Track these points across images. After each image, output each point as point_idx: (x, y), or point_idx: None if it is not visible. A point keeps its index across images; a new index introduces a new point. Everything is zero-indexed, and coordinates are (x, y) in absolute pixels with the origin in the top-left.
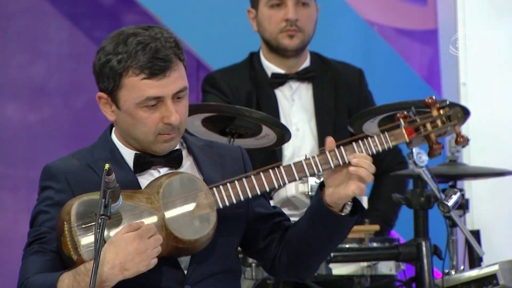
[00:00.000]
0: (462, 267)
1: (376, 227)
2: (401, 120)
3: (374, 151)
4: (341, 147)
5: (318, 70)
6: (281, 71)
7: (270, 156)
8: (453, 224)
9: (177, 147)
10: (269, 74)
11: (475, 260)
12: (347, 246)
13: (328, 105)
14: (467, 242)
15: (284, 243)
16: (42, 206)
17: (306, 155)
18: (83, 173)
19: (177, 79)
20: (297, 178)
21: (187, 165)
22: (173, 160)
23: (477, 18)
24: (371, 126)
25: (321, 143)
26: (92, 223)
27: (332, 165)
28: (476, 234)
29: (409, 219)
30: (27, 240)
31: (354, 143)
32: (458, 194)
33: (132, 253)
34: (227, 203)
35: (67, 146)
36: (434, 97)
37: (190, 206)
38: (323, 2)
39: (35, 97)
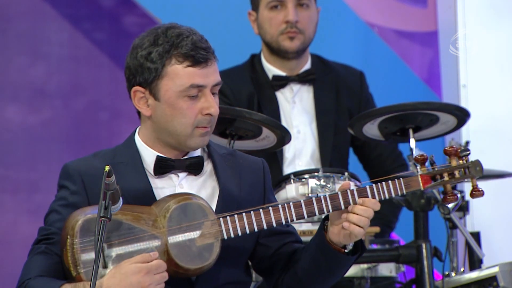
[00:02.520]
0: (462, 269)
1: (377, 229)
2: (418, 167)
3: (387, 197)
4: (354, 190)
5: (319, 73)
6: (282, 73)
7: (271, 158)
8: (453, 226)
9: (199, 153)
10: (270, 76)
11: (475, 262)
12: None
13: (329, 108)
14: (467, 244)
15: (289, 267)
16: (56, 205)
17: (317, 194)
18: (101, 176)
19: (215, 71)
20: (305, 215)
21: (207, 172)
22: (194, 166)
23: (477, 20)
24: (371, 128)
25: (322, 145)
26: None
27: (342, 207)
28: (476, 236)
29: (409, 221)
30: (37, 235)
31: (368, 187)
32: (458, 196)
33: (135, 285)
34: (232, 235)
35: (67, 148)
36: (454, 147)
37: (195, 234)
38: (323, 4)
39: (35, 99)
